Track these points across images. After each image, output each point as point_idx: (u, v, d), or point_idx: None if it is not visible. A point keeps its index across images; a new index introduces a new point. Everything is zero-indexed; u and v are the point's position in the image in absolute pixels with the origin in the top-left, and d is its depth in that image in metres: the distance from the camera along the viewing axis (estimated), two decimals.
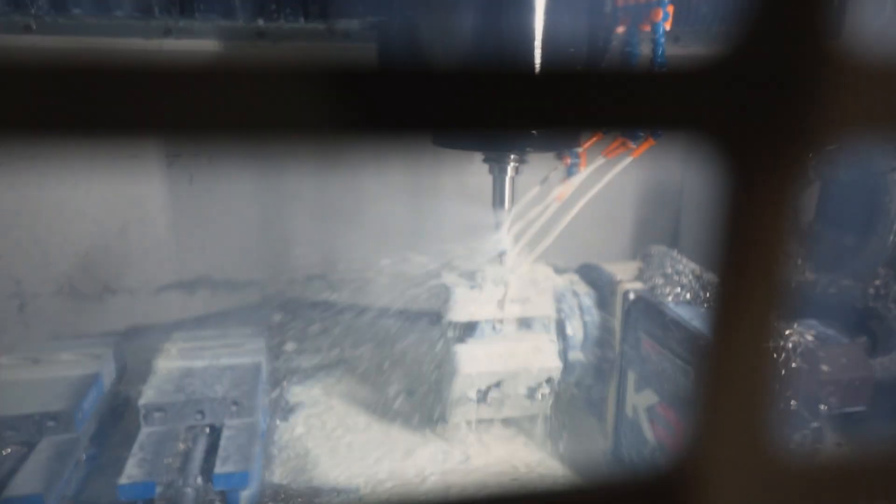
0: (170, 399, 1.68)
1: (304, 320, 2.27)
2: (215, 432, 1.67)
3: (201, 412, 1.68)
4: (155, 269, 2.39)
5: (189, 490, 1.48)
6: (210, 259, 2.43)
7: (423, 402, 2.06)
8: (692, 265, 1.88)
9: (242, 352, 1.93)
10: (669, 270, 1.85)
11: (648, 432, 1.70)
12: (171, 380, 1.77)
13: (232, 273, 2.46)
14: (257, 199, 2.40)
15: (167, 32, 1.97)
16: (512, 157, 1.75)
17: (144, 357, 1.96)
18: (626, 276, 1.87)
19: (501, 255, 1.88)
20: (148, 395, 1.70)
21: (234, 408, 1.69)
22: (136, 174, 2.29)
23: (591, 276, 1.99)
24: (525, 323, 1.89)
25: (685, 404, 1.26)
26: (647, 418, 1.70)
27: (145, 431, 1.64)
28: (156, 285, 2.41)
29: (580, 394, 2.01)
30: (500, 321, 1.86)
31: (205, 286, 2.45)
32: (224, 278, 2.46)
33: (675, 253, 1.96)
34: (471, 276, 1.87)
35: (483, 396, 1.85)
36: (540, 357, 1.84)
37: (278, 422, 2.04)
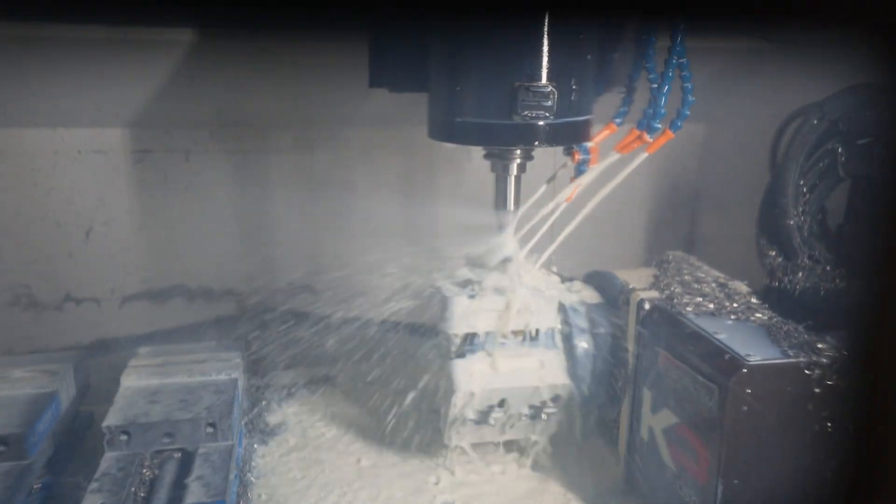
0: (136, 420, 1.63)
1: (286, 333, 2.23)
2: (187, 457, 1.62)
3: (171, 435, 1.63)
4: (122, 277, 2.35)
5: None
6: (183, 266, 2.40)
7: (418, 423, 2.01)
8: (714, 272, 1.84)
9: (218, 368, 1.89)
10: (688, 278, 1.82)
11: (666, 457, 1.65)
12: (138, 399, 1.72)
13: (207, 281, 2.43)
14: (237, 200, 2.37)
15: None
16: (517, 152, 1.70)
17: (109, 374, 1.91)
18: (639, 284, 1.83)
19: (505, 261, 1.83)
20: (112, 416, 1.65)
21: (208, 430, 1.65)
22: (102, 172, 2.24)
23: (602, 284, 1.95)
24: (529, 336, 1.84)
25: (708, 425, 1.20)
26: (664, 441, 1.66)
27: (108, 456, 1.59)
28: (123, 294, 2.38)
29: (589, 414, 1.95)
30: (502, 334, 1.82)
31: (177, 295, 2.43)
32: (199, 287, 2.43)
33: (693, 259, 1.93)
34: (470, 285, 1.82)
35: (484, 417, 1.80)
36: (545, 373, 1.80)
37: (257, 445, 2.00)
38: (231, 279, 2.44)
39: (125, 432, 1.61)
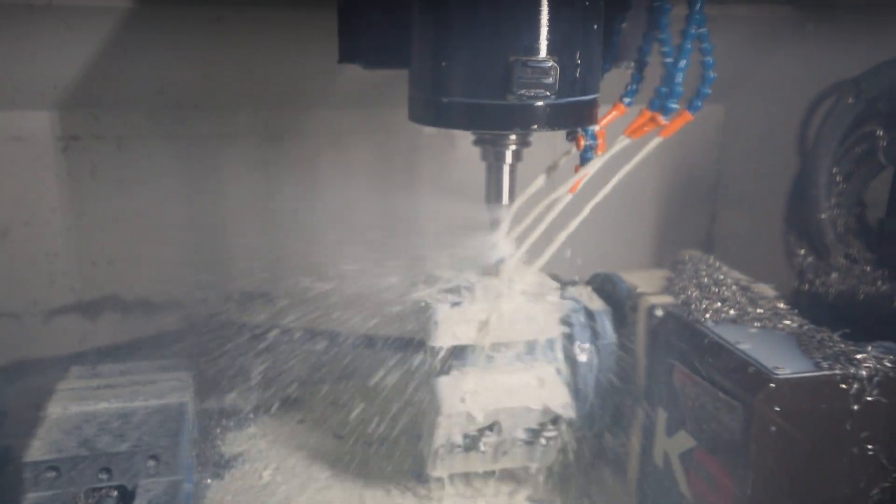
0: (66, 454, 1.60)
1: (242, 349, 2.22)
2: (127, 496, 1.61)
3: (107, 470, 1.61)
4: (46, 287, 2.34)
5: None
6: (119, 273, 2.39)
7: (398, 451, 2.02)
8: (735, 274, 1.86)
9: (162, 391, 1.87)
10: (706, 280, 1.83)
11: (684, 486, 1.66)
12: (67, 428, 1.70)
13: (148, 291, 2.42)
14: (182, 194, 2.35)
15: None
16: (512, 137, 1.70)
17: (32, 400, 1.88)
18: (650, 288, 1.85)
19: (498, 263, 1.83)
20: (36, 449, 1.61)
21: (150, 464, 1.63)
22: (21, 162, 2.21)
23: (608, 288, 1.97)
24: (526, 348, 1.84)
25: (731, 449, 1.21)
26: (681, 468, 1.67)
27: (31, 498, 1.56)
28: (48, 307, 2.36)
29: (595, 438, 1.97)
30: (495, 346, 1.82)
31: (112, 308, 2.41)
32: (137, 297, 2.42)
33: (712, 259, 1.95)
34: (458, 291, 1.82)
35: (473, 442, 1.80)
36: (544, 392, 1.80)
37: (209, 480, 1.99)
38: (175, 288, 2.43)
39: (52, 468, 1.58)
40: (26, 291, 2.31)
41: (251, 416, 2.27)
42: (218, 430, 2.18)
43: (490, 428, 1.79)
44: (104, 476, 1.61)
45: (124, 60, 2.06)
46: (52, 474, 1.58)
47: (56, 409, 1.77)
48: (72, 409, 1.78)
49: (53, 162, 2.24)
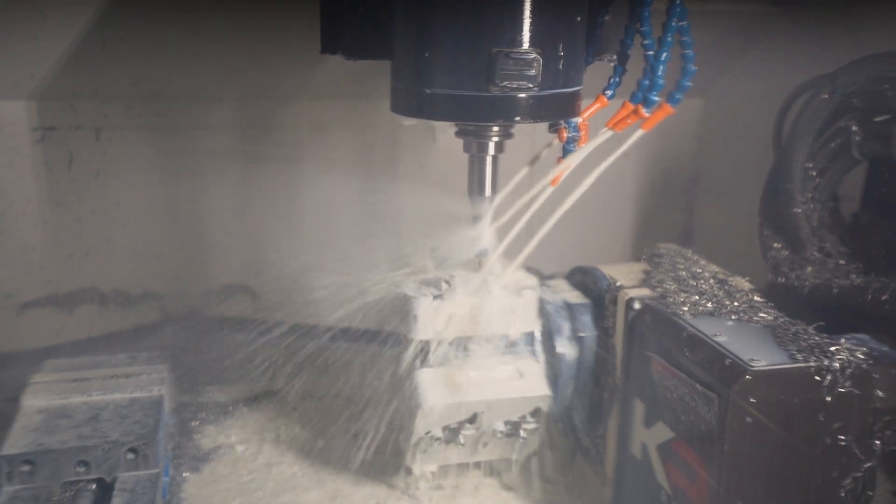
0: (41, 447, 1.58)
1: (220, 342, 2.21)
2: (104, 489, 1.59)
3: (85, 463, 1.59)
4: (22, 279, 2.32)
5: None
6: (96, 265, 2.38)
7: (378, 444, 1.98)
8: (713, 267, 1.87)
9: (139, 383, 1.85)
10: (684, 273, 1.83)
11: (662, 476, 1.67)
12: (43, 421, 1.68)
13: (125, 283, 2.41)
14: (161, 186, 2.34)
15: None
16: (495, 129, 1.69)
17: (5, 394, 1.89)
18: (628, 281, 1.85)
19: (480, 256, 1.83)
20: (11, 443, 1.60)
21: (128, 456, 1.62)
22: None
23: (586, 281, 1.96)
24: (506, 341, 1.84)
25: (707, 440, 1.22)
26: (659, 459, 1.67)
27: (7, 492, 1.54)
28: (23, 300, 2.34)
29: (573, 430, 1.97)
30: (475, 340, 1.82)
31: (88, 300, 2.41)
32: (114, 290, 2.42)
33: (689, 252, 1.95)
34: (437, 284, 1.81)
35: (453, 435, 1.80)
36: (524, 384, 1.80)
37: (187, 473, 1.98)
38: (152, 281, 2.42)
39: (28, 462, 1.56)
40: (1, 284, 2.29)
41: (229, 409, 2.26)
42: (195, 423, 2.16)
43: (470, 420, 1.79)
44: (82, 469, 1.59)
45: (102, 51, 2.04)
46: (27, 468, 1.56)
47: (31, 403, 1.76)
48: (47, 402, 1.76)
49: (30, 153, 2.22)
